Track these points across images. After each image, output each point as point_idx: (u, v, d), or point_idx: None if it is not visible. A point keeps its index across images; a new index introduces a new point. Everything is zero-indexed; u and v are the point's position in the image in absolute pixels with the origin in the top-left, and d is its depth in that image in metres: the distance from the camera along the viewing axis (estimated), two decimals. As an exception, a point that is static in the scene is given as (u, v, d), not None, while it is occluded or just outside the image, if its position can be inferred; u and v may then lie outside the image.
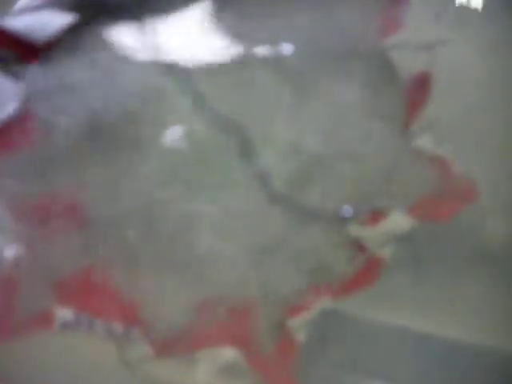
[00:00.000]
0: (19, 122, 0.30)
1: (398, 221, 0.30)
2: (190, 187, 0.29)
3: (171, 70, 0.28)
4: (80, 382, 0.30)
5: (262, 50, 0.30)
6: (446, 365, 0.32)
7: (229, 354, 0.31)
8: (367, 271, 0.31)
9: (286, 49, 0.31)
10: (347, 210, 0.29)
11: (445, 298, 0.33)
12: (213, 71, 0.30)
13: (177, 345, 0.31)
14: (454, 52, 0.33)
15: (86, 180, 0.30)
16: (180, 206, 0.29)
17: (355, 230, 0.30)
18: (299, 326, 0.31)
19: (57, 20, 0.29)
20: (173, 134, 0.30)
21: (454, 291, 0.33)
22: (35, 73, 0.30)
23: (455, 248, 0.32)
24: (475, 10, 0.36)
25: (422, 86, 0.31)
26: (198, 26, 0.31)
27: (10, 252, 0.29)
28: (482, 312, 0.32)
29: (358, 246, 0.30)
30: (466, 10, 0.35)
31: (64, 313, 0.31)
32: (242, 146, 0.28)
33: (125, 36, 0.30)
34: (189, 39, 0.30)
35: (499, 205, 0.32)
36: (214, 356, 0.31)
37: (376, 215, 0.30)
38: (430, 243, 0.32)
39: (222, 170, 0.28)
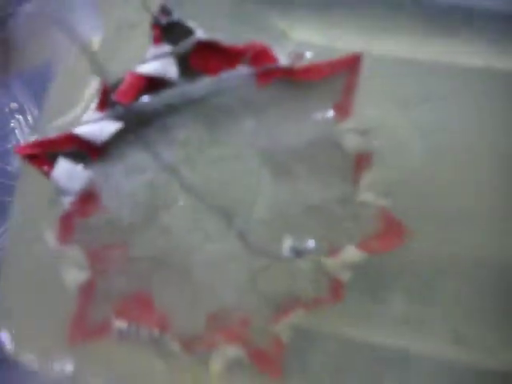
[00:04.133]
0: (88, 196, 0.36)
1: (351, 253, 0.37)
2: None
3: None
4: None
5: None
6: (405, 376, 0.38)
7: (234, 351, 0.38)
8: (332, 291, 0.37)
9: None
10: (312, 247, 0.37)
11: (403, 314, 0.38)
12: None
13: (197, 344, 0.38)
14: (397, 132, 0.40)
15: (136, 238, 0.37)
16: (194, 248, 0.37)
17: (320, 261, 0.37)
18: (283, 329, 0.37)
19: (109, 127, 0.35)
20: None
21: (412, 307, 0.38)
22: (95, 164, 0.37)
23: (402, 274, 0.38)
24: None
25: (364, 158, 0.37)
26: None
27: (84, 281, 0.37)
28: (437, 322, 0.38)
29: (323, 272, 0.37)
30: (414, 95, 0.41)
31: (120, 324, 0.38)
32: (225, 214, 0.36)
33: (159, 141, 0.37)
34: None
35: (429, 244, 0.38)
36: (223, 353, 0.38)
37: (334, 250, 0.37)
38: (382, 271, 0.38)
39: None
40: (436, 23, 0.45)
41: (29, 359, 0.38)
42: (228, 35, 0.41)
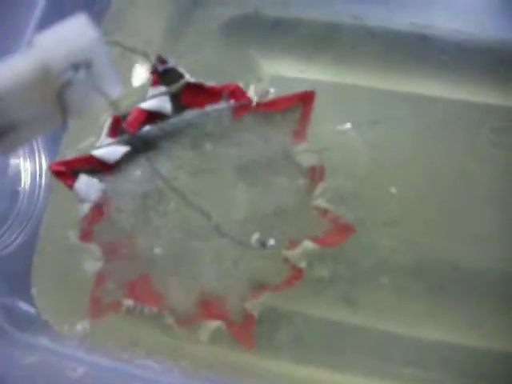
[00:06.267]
0: (102, 203, 0.43)
1: (307, 246, 0.44)
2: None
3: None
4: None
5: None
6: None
7: (216, 324, 0.44)
8: (293, 276, 0.44)
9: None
10: (275, 241, 0.43)
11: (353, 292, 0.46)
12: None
13: (188, 319, 0.44)
14: (349, 148, 0.48)
15: (136, 235, 0.44)
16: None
17: (282, 253, 0.44)
18: (254, 307, 0.44)
19: (119, 150, 0.42)
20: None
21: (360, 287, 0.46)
22: (108, 179, 0.43)
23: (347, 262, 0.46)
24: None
25: (318, 172, 0.45)
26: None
27: (98, 269, 0.45)
28: (385, 301, 0.45)
29: (285, 261, 0.44)
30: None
31: (128, 302, 0.45)
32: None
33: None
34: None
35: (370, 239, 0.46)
36: (208, 325, 0.44)
37: (293, 244, 0.44)
38: (333, 260, 0.46)
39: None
40: (389, 57, 0.53)
41: (57, 323, 0.47)
42: (215, 71, 0.51)
